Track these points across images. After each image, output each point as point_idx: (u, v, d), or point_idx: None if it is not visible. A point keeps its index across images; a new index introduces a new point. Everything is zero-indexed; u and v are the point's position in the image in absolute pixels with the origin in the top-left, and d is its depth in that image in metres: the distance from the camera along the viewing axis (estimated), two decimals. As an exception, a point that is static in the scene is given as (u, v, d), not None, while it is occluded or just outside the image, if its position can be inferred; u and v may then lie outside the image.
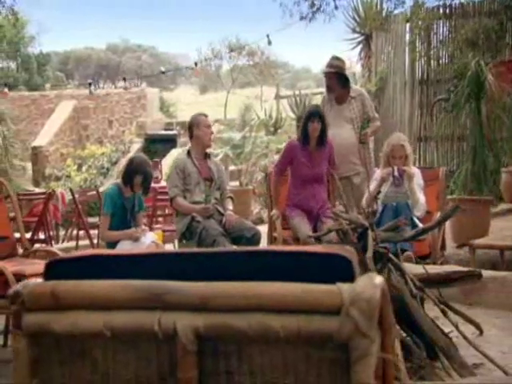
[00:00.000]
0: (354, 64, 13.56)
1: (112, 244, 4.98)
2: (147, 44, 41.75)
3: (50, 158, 14.71)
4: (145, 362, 1.12)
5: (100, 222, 5.53)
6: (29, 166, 14.69)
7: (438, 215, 5.43)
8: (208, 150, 6.04)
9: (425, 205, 5.43)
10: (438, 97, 10.42)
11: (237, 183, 10.61)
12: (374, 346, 1.04)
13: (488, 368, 3.42)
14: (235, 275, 1.08)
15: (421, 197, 5.42)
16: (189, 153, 5.66)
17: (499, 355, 3.60)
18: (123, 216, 5.14)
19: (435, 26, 11.10)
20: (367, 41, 12.90)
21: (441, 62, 11.17)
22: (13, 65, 31.72)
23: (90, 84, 12.05)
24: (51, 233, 8.71)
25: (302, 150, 5.69)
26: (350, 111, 6.41)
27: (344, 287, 1.03)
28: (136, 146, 15.05)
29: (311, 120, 5.64)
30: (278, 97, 14.29)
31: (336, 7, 8.07)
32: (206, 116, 5.89)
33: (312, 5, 8.13)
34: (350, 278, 1.08)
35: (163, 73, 12.92)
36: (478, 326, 3.91)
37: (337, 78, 6.47)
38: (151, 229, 6.71)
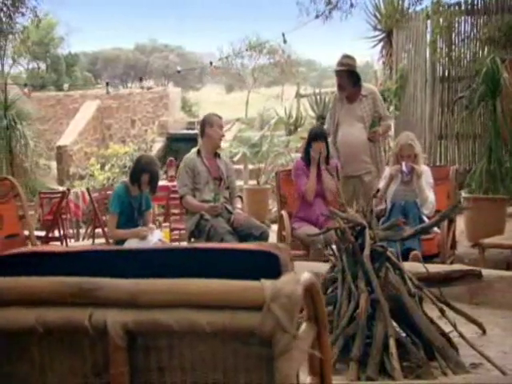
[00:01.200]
0: (375, 62, 13.49)
1: (120, 242, 5.06)
2: (174, 44, 41.94)
3: (74, 157, 14.92)
4: (80, 359, 1.15)
5: (107, 220, 5.61)
6: (54, 165, 14.92)
7: (447, 214, 5.40)
8: (220, 149, 6.10)
9: (434, 203, 5.40)
10: (459, 94, 10.31)
11: (255, 182, 10.64)
12: (295, 341, 1.06)
13: (487, 368, 3.40)
14: (166, 272, 1.10)
15: (430, 195, 5.40)
16: (199, 152, 5.72)
17: (500, 355, 3.57)
18: (130, 214, 5.21)
19: (457, 24, 10.98)
20: (388, 38, 12.82)
21: (462, 59, 11.04)
22: (42, 66, 32.20)
23: (107, 84, 12.21)
24: (71, 230, 8.85)
25: (307, 168, 5.78)
26: (362, 110, 6.40)
27: (267, 283, 1.05)
28: (158, 145, 15.19)
29: (315, 142, 5.74)
30: (298, 95, 14.28)
31: (352, 5, 8.05)
32: (219, 117, 5.94)
33: (328, 2, 8.11)
34: (276, 274, 1.10)
35: (179, 72, 13.04)
36: (480, 326, 3.88)
37: (348, 76, 6.47)
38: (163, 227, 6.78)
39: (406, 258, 5.00)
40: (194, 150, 5.76)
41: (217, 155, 5.83)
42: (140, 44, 42.62)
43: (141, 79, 13.69)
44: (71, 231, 8.91)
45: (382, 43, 13.35)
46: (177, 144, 14.17)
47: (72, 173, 14.33)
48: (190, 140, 14.60)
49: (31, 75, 30.00)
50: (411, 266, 4.01)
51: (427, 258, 5.13)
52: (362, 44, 12.78)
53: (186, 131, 15.66)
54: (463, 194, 6.93)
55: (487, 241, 5.49)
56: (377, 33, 13.41)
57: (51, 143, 15.63)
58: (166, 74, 32.94)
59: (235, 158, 11.23)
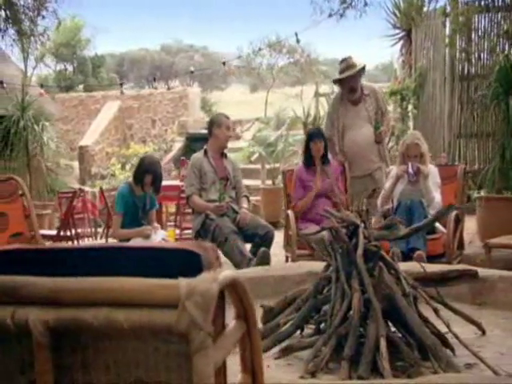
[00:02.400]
0: (394, 60, 13.41)
1: (124, 242, 5.12)
2: (199, 44, 42.25)
3: (95, 157, 15.12)
4: (6, 357, 1.19)
5: (112, 220, 5.69)
6: (77, 165, 15.12)
7: (454, 213, 5.37)
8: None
9: (440, 203, 5.37)
10: (479, 93, 10.19)
11: (271, 182, 10.67)
12: (212, 338, 1.08)
13: (481, 368, 3.38)
14: (90, 270, 1.13)
15: (436, 195, 5.37)
16: (205, 152, 5.77)
17: (497, 356, 3.54)
18: (135, 214, 5.28)
19: (476, 20, 10.85)
20: (408, 36, 12.73)
21: (482, 56, 10.91)
22: (70, 67, 32.66)
23: (121, 84, 12.33)
24: (89, 229, 8.97)
25: (307, 171, 5.84)
26: (367, 109, 6.42)
27: (182, 282, 1.07)
28: (178, 144, 15.30)
29: (313, 141, 5.80)
30: (317, 94, 14.26)
31: (366, 3, 8.01)
32: (227, 117, 5.99)
33: (343, 1, 8.10)
34: (198, 273, 1.12)
35: (192, 72, 13.12)
36: (479, 326, 3.85)
37: (359, 75, 6.49)
38: (175, 226, 6.85)
39: (410, 257, 4.99)
40: (202, 149, 5.81)
41: (224, 155, 5.87)
42: (166, 44, 43.02)
43: (154, 79, 13.79)
44: (89, 230, 9.03)
45: (401, 41, 13.28)
46: (196, 144, 14.23)
47: (94, 172, 14.52)
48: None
49: (58, 77, 30.46)
50: (410, 266, 3.99)
51: (433, 258, 5.11)
52: (381, 43, 12.72)
53: (205, 131, 15.69)
54: (475, 193, 6.87)
55: (493, 241, 5.44)
56: (396, 31, 13.33)
57: (74, 143, 15.86)
58: (190, 75, 33.16)
59: (252, 158, 11.27)
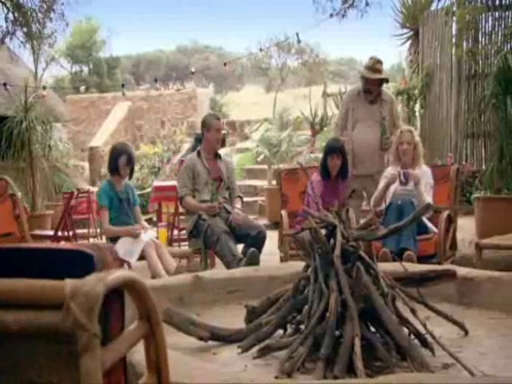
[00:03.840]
0: (403, 59, 13.36)
1: (112, 240, 5.17)
2: (215, 44, 42.37)
3: (105, 157, 15.20)
4: None
5: (100, 216, 5.75)
6: (87, 165, 15.24)
7: (446, 214, 5.36)
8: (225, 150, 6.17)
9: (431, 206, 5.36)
10: (486, 92, 10.13)
11: (274, 182, 10.70)
12: (97, 339, 1.10)
13: (458, 369, 3.37)
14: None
15: (428, 198, 5.36)
16: (199, 153, 5.80)
17: (476, 356, 3.53)
18: (120, 207, 5.34)
19: (483, 20, 10.77)
20: (416, 36, 12.68)
21: (489, 56, 10.83)
22: (85, 69, 32.95)
23: (122, 86, 12.41)
24: (93, 230, 9.03)
25: (323, 182, 5.79)
26: (381, 112, 6.42)
27: (69, 282, 1.09)
28: (186, 145, 15.37)
29: (331, 156, 5.73)
30: (325, 95, 14.25)
31: (367, 3, 8.00)
32: (218, 119, 6.00)
33: (344, 1, 8.09)
34: (89, 273, 1.14)
35: (193, 73, 13.17)
36: (462, 327, 3.84)
37: (380, 83, 6.50)
38: (173, 226, 6.88)
39: (401, 257, 4.98)
40: (195, 151, 5.85)
41: (218, 156, 5.89)
42: (181, 45, 43.23)
43: (156, 80, 13.85)
44: (94, 231, 9.10)
45: (410, 41, 13.23)
46: (204, 144, 14.30)
47: (103, 173, 14.62)
48: (218, 140, 14.72)
49: (74, 78, 30.73)
50: (397, 266, 3.99)
51: (424, 258, 5.10)
52: (389, 42, 12.74)
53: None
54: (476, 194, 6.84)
55: (484, 241, 5.42)
56: (405, 30, 13.29)
57: (85, 144, 15.99)
58: (205, 75, 33.24)
59: (259, 159, 11.29)
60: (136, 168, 14.35)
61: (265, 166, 11.85)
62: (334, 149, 5.78)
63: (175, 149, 14.57)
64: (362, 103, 6.54)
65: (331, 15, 8.02)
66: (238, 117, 17.96)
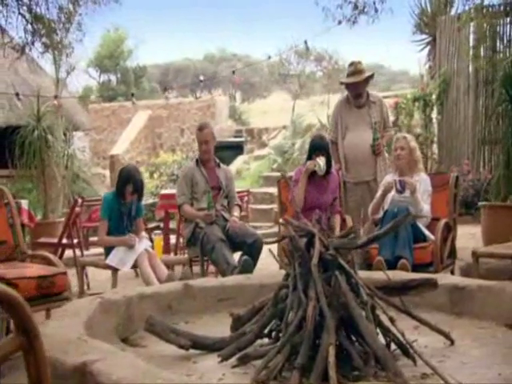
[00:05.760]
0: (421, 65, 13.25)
1: (108, 249, 5.22)
2: (242, 52, 42.47)
3: (126, 166, 15.40)
4: None
5: (98, 227, 5.79)
6: (108, 173, 15.43)
7: (443, 222, 5.31)
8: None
9: (429, 213, 5.33)
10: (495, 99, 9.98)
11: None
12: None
13: (436, 378, 3.33)
14: None
15: (425, 207, 5.32)
16: (197, 162, 5.84)
17: (457, 365, 3.49)
18: (120, 220, 5.38)
19: (502, 27, 10.64)
20: (435, 41, 12.58)
21: (508, 62, 10.67)
22: (113, 78, 33.36)
23: (132, 94, 12.52)
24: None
25: (308, 180, 5.80)
26: (370, 115, 6.40)
27: None
28: (205, 153, 15.44)
29: (316, 154, 5.77)
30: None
31: (376, 10, 7.99)
32: (201, 130, 5.94)
33: (355, 7, 8.09)
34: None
35: (201, 81, 13.21)
36: (447, 336, 3.79)
37: (366, 82, 6.50)
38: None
39: (396, 266, 4.95)
40: (194, 159, 5.88)
41: (216, 164, 5.92)
42: (209, 54, 43.42)
43: (165, 89, 13.96)
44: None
45: (429, 47, 13.14)
46: (222, 152, 14.40)
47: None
48: (236, 147, 14.82)
49: (102, 87, 31.17)
50: (373, 275, 3.97)
51: (421, 267, 5.05)
52: (408, 47, 12.74)
53: (231, 139, 15.92)
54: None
55: (481, 250, 5.35)
56: (423, 36, 13.21)
57: (106, 152, 16.19)
58: (234, 84, 33.36)
59: (274, 166, 11.28)
60: (155, 175, 14.53)
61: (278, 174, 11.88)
62: (318, 147, 5.86)
63: (194, 156, 14.66)
64: (350, 109, 6.57)
65: (339, 22, 8.02)
66: (260, 124, 17.99)
